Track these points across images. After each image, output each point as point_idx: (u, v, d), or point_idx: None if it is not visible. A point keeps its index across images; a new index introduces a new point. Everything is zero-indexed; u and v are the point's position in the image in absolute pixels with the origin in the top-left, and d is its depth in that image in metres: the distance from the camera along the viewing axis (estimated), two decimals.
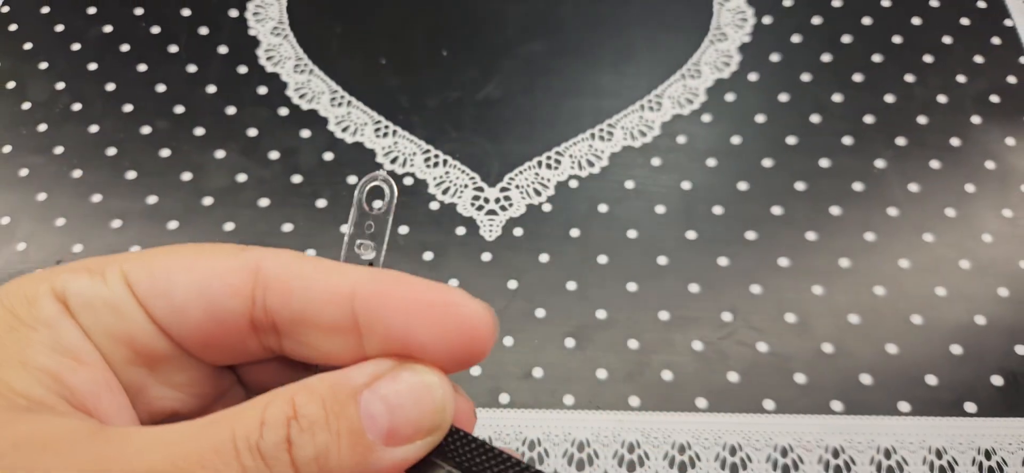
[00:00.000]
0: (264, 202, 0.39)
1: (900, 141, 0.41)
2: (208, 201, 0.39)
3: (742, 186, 0.39)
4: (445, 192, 0.39)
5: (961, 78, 0.43)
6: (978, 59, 0.44)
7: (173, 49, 0.45)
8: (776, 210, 0.39)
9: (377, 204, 0.23)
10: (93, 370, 0.20)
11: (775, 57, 0.44)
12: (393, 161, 0.40)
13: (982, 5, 0.46)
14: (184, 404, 0.21)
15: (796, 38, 0.45)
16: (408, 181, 0.40)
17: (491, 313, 0.20)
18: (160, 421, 0.20)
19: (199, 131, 0.42)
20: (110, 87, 0.44)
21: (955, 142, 0.41)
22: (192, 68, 0.44)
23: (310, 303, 0.20)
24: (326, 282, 0.20)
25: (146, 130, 0.42)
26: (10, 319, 0.19)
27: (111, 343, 0.20)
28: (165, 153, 0.41)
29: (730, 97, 0.43)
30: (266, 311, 0.20)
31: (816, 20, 0.46)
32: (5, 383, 0.18)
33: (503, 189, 0.39)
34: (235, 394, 0.23)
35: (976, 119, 0.42)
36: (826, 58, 0.44)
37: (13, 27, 0.46)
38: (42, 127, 0.42)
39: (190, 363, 0.21)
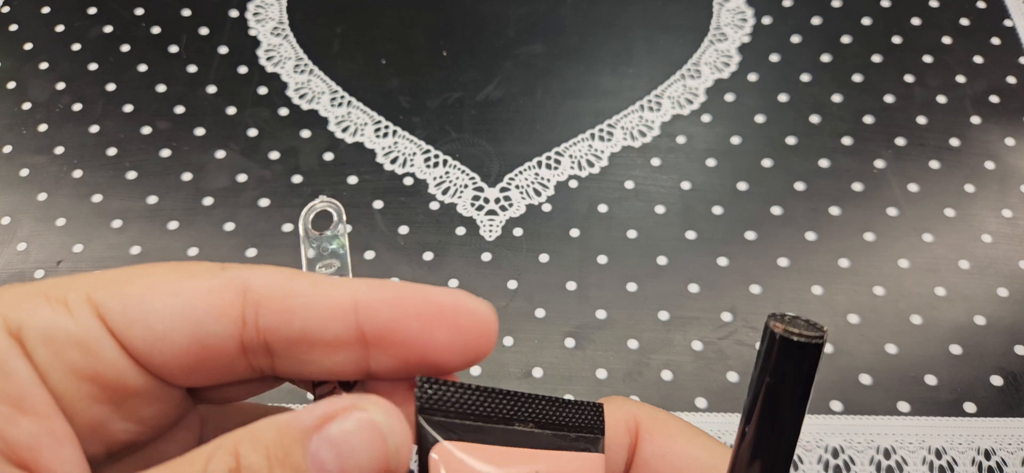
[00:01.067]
0: (264, 202, 0.39)
1: (900, 141, 0.41)
2: (208, 201, 0.39)
3: (742, 186, 0.40)
4: (445, 192, 0.39)
5: (960, 78, 0.43)
6: (978, 59, 0.44)
7: (173, 49, 0.45)
8: (776, 210, 0.39)
9: (333, 229, 0.22)
10: (38, 419, 0.18)
11: (775, 57, 0.44)
12: (393, 161, 0.40)
13: (982, 5, 0.46)
14: (144, 434, 0.19)
15: (796, 38, 0.45)
16: (408, 181, 0.40)
17: (493, 310, 0.19)
18: (116, 453, 0.19)
19: (199, 131, 0.42)
20: (111, 87, 0.44)
21: (954, 142, 0.41)
22: (192, 68, 0.44)
23: (311, 320, 0.19)
24: (326, 296, 0.19)
25: (146, 130, 0.42)
26: None
27: (73, 382, 0.18)
28: (165, 153, 0.41)
29: (730, 97, 0.43)
30: (259, 332, 0.19)
31: (816, 20, 0.46)
32: None
33: (503, 189, 0.40)
34: (192, 418, 0.21)
35: (976, 119, 0.42)
36: (826, 58, 0.44)
37: (14, 27, 0.46)
38: (43, 127, 0.42)
39: (159, 394, 0.19)
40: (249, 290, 0.19)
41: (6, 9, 0.47)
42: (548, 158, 0.41)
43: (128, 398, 0.18)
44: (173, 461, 0.17)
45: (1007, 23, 0.45)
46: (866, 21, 0.46)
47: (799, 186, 0.40)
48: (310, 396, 0.20)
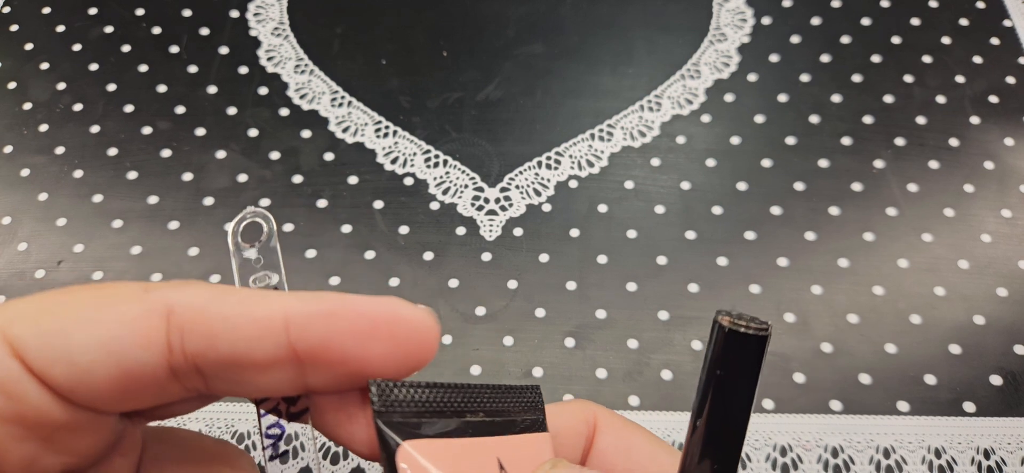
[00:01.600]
0: (265, 202, 0.39)
1: (899, 141, 0.41)
2: (209, 201, 0.39)
3: (741, 186, 0.40)
4: (445, 192, 0.39)
5: (960, 78, 0.43)
6: (977, 59, 0.44)
7: (174, 49, 0.45)
8: (775, 210, 0.39)
9: (264, 240, 0.22)
10: None
11: (774, 58, 0.44)
12: (393, 161, 0.40)
13: (981, 5, 0.46)
14: (80, 463, 0.18)
15: (795, 39, 0.45)
16: (408, 181, 0.40)
17: (433, 317, 0.19)
18: None
19: (200, 131, 0.42)
20: (111, 87, 0.44)
21: (954, 142, 0.41)
22: (193, 68, 0.44)
23: (239, 342, 0.18)
24: (254, 316, 0.18)
25: (147, 130, 0.42)
26: None
27: None
28: (166, 153, 0.41)
29: (729, 97, 0.43)
30: (186, 357, 0.18)
31: (815, 21, 0.46)
32: None
33: (503, 189, 0.40)
34: (130, 442, 0.20)
35: (975, 119, 0.42)
36: (825, 58, 0.44)
37: (14, 27, 0.46)
38: (43, 127, 0.42)
39: (90, 424, 0.18)
40: (173, 314, 0.18)
41: (7, 9, 0.47)
42: (548, 158, 0.41)
43: (57, 432, 0.17)
44: None
45: (1006, 23, 0.45)
46: (865, 21, 0.46)
47: (799, 186, 0.40)
48: (256, 414, 0.19)
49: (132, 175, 0.40)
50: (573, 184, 0.40)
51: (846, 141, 0.41)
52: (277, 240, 0.21)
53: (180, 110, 0.43)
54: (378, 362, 0.18)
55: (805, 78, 0.43)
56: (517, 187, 0.40)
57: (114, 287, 0.18)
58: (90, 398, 0.17)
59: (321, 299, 0.18)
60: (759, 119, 0.42)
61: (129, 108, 0.43)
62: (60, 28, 0.46)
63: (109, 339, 0.17)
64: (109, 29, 0.46)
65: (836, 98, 0.43)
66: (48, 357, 0.17)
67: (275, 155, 0.41)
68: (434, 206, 0.39)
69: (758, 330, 0.16)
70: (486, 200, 0.39)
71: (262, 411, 0.20)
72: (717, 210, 0.39)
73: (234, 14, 0.46)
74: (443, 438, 0.18)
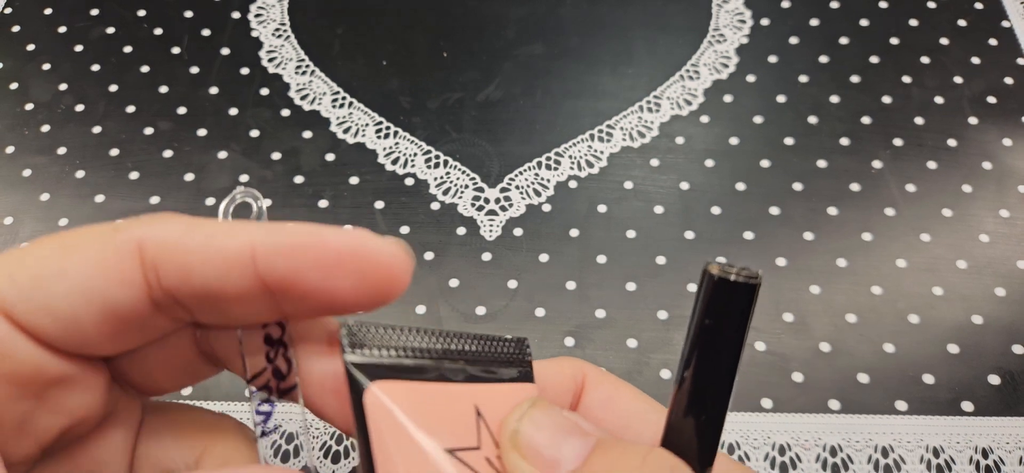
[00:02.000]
0: (267, 202, 0.39)
1: (897, 142, 0.41)
2: (210, 201, 0.39)
3: (740, 186, 0.40)
4: (446, 192, 0.40)
5: (958, 79, 0.44)
6: (975, 60, 0.44)
7: (175, 50, 0.45)
8: (774, 210, 0.39)
9: (255, 219, 0.22)
10: None
11: (773, 58, 0.45)
12: (394, 162, 0.41)
13: (979, 6, 0.46)
14: (74, 426, 0.18)
15: (794, 39, 0.45)
16: (409, 181, 0.40)
17: (403, 249, 0.18)
18: (50, 448, 0.18)
19: (201, 132, 0.42)
20: (113, 88, 0.44)
21: (952, 143, 0.41)
22: (194, 69, 0.44)
23: (210, 275, 0.18)
24: (221, 248, 0.18)
25: (149, 131, 0.42)
26: None
27: None
28: (168, 154, 0.41)
29: (728, 98, 0.43)
30: (165, 292, 0.18)
31: (814, 22, 0.46)
32: None
33: (503, 189, 0.40)
34: (128, 416, 0.20)
35: (973, 120, 0.42)
36: (824, 59, 0.44)
37: (16, 28, 0.46)
38: (45, 128, 0.42)
39: (82, 378, 0.18)
40: (144, 250, 0.18)
41: (8, 10, 0.47)
42: (548, 158, 0.41)
43: (49, 388, 0.17)
44: None
45: (1005, 24, 0.46)
46: (864, 22, 0.46)
47: (797, 186, 0.40)
48: (247, 393, 0.20)
49: (134, 175, 0.41)
50: (573, 184, 0.40)
51: (844, 141, 0.41)
52: (267, 219, 0.21)
53: (181, 111, 0.43)
54: (346, 295, 0.18)
55: (804, 79, 0.44)
56: (517, 187, 0.40)
57: (82, 231, 0.18)
58: (81, 344, 0.18)
59: (289, 231, 0.18)
60: (758, 120, 0.42)
61: (131, 109, 0.43)
62: (61, 29, 0.46)
63: (88, 284, 0.17)
64: (110, 30, 0.46)
65: (834, 99, 0.43)
66: (32, 310, 0.17)
67: (276, 155, 0.41)
68: (434, 206, 0.39)
69: (748, 278, 0.16)
70: (486, 200, 0.39)
71: (252, 388, 0.20)
72: (716, 210, 0.39)
73: (235, 15, 0.47)
74: (416, 381, 0.17)
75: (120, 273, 0.17)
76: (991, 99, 0.43)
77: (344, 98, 0.43)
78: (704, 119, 0.42)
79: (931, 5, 0.47)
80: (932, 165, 0.40)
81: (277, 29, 0.46)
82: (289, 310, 0.19)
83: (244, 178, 0.40)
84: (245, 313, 0.18)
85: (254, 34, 0.46)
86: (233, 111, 0.43)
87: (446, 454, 0.17)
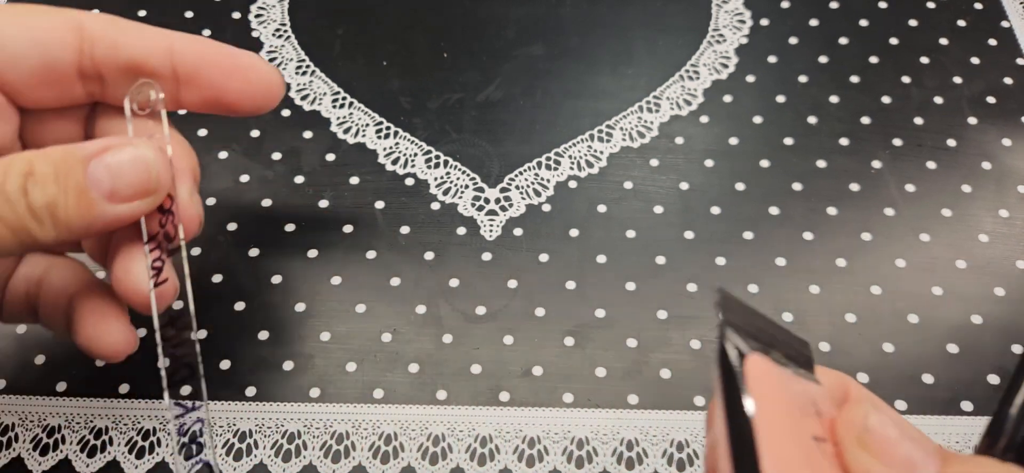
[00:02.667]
0: (267, 202, 0.39)
1: (896, 142, 0.41)
2: (211, 201, 0.40)
3: (739, 186, 0.40)
4: (446, 192, 0.40)
5: (957, 79, 0.44)
6: (975, 60, 0.44)
7: None
8: (773, 210, 0.39)
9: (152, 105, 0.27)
10: None
11: (772, 59, 0.45)
12: (394, 162, 0.41)
13: (979, 6, 0.47)
14: None
15: (793, 40, 0.45)
16: (409, 182, 0.40)
17: (279, 76, 0.28)
18: None
19: (202, 132, 0.42)
20: None
21: (951, 143, 0.41)
22: None
23: (135, 54, 0.26)
24: (148, 37, 0.26)
25: None
26: None
27: None
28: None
29: (728, 98, 0.43)
30: (94, 62, 0.25)
31: (813, 22, 0.46)
32: None
33: (503, 190, 0.40)
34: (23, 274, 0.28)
35: (972, 120, 0.42)
36: (823, 59, 0.44)
37: None
38: None
39: (3, 113, 0.25)
40: (83, 27, 0.25)
41: None
42: (548, 159, 0.41)
43: None
44: None
45: (1004, 24, 0.46)
46: (863, 22, 0.46)
47: (797, 186, 0.40)
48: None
49: None
50: (572, 184, 0.40)
51: (844, 142, 0.41)
52: (164, 108, 0.27)
53: (182, 111, 0.43)
54: (234, 95, 0.27)
55: (803, 79, 0.44)
56: (517, 187, 0.40)
57: (36, 5, 0.25)
58: (17, 81, 0.24)
59: (200, 39, 0.26)
60: (757, 120, 0.42)
61: None
62: None
63: (36, 37, 0.24)
64: None
65: (834, 99, 0.43)
66: None
67: (277, 155, 0.41)
68: (435, 206, 0.39)
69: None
70: (486, 200, 0.39)
71: (147, 247, 0.25)
72: (715, 210, 0.39)
73: (236, 15, 0.47)
74: (775, 363, 0.18)
75: (62, 37, 0.24)
76: (991, 99, 0.43)
77: (344, 98, 0.43)
78: (704, 119, 0.42)
79: (930, 5, 0.47)
80: (931, 165, 0.40)
81: (277, 29, 0.46)
82: (185, 99, 0.26)
83: (245, 178, 0.40)
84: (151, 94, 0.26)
85: (254, 34, 0.46)
86: None
87: (812, 440, 0.17)
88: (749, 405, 0.17)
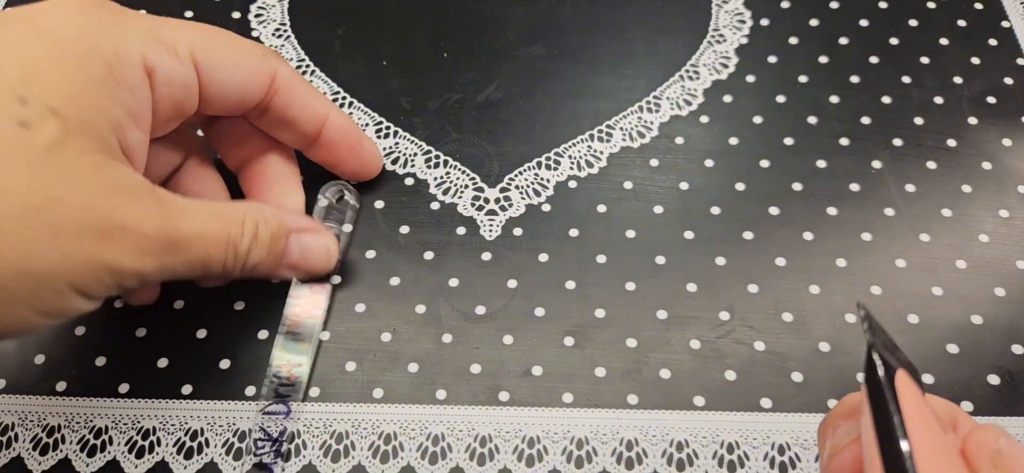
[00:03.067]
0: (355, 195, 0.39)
1: (897, 142, 0.41)
2: None
3: (739, 187, 0.40)
4: (445, 192, 0.40)
5: (958, 79, 0.44)
6: (975, 60, 0.44)
7: None
8: (773, 210, 0.39)
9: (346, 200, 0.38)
10: (141, 133, 0.27)
11: (772, 59, 0.45)
12: (394, 162, 0.41)
13: (979, 6, 0.47)
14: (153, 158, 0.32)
15: (793, 40, 0.45)
16: (409, 181, 0.40)
17: (381, 157, 0.39)
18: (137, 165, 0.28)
19: (201, 133, 0.42)
20: None
21: (952, 143, 0.41)
22: None
23: (299, 117, 0.33)
24: (313, 108, 0.34)
25: None
26: (104, 69, 0.25)
27: (170, 107, 0.29)
28: None
29: (728, 98, 0.43)
30: (269, 106, 0.32)
31: (813, 22, 0.46)
32: (96, 128, 0.25)
33: (503, 189, 0.40)
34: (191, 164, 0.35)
35: (973, 120, 0.42)
36: (823, 59, 0.44)
37: None
38: None
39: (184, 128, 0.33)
40: (276, 80, 0.32)
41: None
42: (548, 159, 0.41)
43: (176, 118, 0.30)
44: (226, 209, 0.28)
45: (1004, 24, 0.46)
46: (863, 23, 0.46)
47: (797, 186, 0.40)
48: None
49: None
50: (572, 184, 0.40)
51: (844, 142, 0.41)
52: (355, 207, 0.38)
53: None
54: (347, 167, 0.37)
55: (803, 79, 0.44)
56: (517, 187, 0.40)
57: (247, 43, 0.32)
58: (216, 107, 0.31)
59: (344, 118, 0.36)
60: (757, 120, 0.42)
61: None
62: None
63: (245, 80, 0.31)
64: None
65: (834, 99, 0.43)
66: (211, 75, 0.30)
67: None
68: (434, 206, 0.39)
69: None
70: (486, 200, 0.39)
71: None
72: (715, 210, 0.39)
73: (235, 15, 0.47)
74: (912, 378, 0.20)
75: (261, 85, 0.31)
76: (991, 99, 0.43)
77: (344, 98, 0.43)
78: (704, 119, 0.42)
79: (931, 5, 0.47)
80: (932, 165, 0.40)
81: (277, 29, 0.46)
82: (311, 153, 0.36)
83: None
84: (293, 140, 0.35)
85: (254, 34, 0.46)
86: None
87: (958, 454, 0.19)
88: (904, 423, 0.18)
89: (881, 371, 0.19)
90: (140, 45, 0.27)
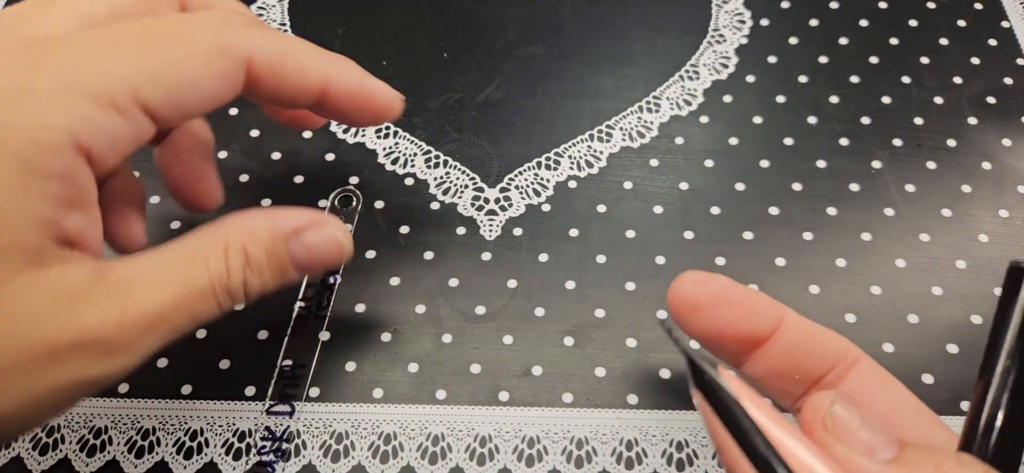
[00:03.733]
0: (267, 202, 0.39)
1: (896, 142, 0.41)
2: None
3: (739, 187, 0.40)
4: (445, 192, 0.40)
5: (957, 79, 0.44)
6: (975, 60, 0.44)
7: None
8: (773, 210, 0.39)
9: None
10: (83, 212, 0.23)
11: (772, 59, 0.45)
12: (394, 162, 0.41)
13: (979, 7, 0.47)
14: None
15: (793, 40, 0.45)
16: (409, 182, 0.40)
17: (400, 99, 0.32)
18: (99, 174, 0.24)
19: None
20: None
21: (951, 143, 0.41)
22: None
23: (295, 88, 0.28)
24: (309, 75, 0.28)
25: None
26: (18, 168, 0.21)
27: (122, 160, 0.25)
28: None
29: (728, 98, 0.43)
30: (254, 92, 0.27)
31: (813, 22, 0.46)
32: (20, 242, 0.21)
33: (503, 189, 0.40)
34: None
35: (972, 120, 0.42)
36: (823, 60, 0.44)
37: None
38: None
39: (146, 135, 0.26)
40: (252, 67, 0.26)
41: None
42: (547, 159, 0.41)
43: (124, 150, 0.25)
44: (196, 244, 0.24)
45: (1004, 24, 0.46)
46: (863, 23, 0.46)
47: (796, 187, 0.40)
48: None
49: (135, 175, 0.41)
50: (572, 184, 0.40)
51: (844, 142, 0.41)
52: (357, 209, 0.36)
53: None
54: (358, 119, 0.31)
55: (803, 79, 0.44)
56: (517, 187, 0.40)
57: (202, 38, 0.25)
58: (172, 121, 0.25)
59: (350, 76, 0.30)
60: (757, 120, 0.42)
61: None
62: None
63: (212, 94, 0.26)
64: None
65: (834, 99, 0.43)
66: (168, 108, 0.24)
67: (276, 155, 0.41)
68: (434, 206, 0.39)
69: None
70: (486, 200, 0.39)
71: (299, 304, 0.34)
72: (715, 210, 0.39)
73: None
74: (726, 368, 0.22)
75: (232, 86, 0.26)
76: (991, 99, 0.43)
77: None
78: (703, 119, 0.42)
79: (930, 5, 0.47)
80: (931, 165, 0.40)
81: (277, 29, 0.46)
82: (315, 113, 0.31)
83: (244, 178, 0.40)
84: (290, 115, 0.33)
85: None
86: (233, 111, 0.43)
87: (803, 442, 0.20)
88: (752, 412, 0.19)
89: (712, 374, 0.20)
90: (66, 124, 0.22)
